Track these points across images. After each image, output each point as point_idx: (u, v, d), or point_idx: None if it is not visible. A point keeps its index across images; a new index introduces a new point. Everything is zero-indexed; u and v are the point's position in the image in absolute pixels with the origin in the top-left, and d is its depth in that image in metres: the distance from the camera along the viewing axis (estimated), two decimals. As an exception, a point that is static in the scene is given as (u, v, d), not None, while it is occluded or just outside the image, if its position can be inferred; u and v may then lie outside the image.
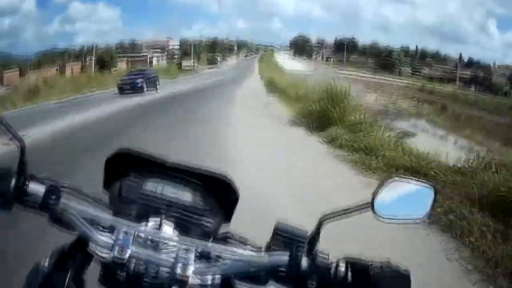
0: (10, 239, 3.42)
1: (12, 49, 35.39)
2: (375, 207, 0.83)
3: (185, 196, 0.99)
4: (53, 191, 0.86)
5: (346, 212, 0.84)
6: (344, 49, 50.97)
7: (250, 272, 0.86)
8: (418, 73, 41.13)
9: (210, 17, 62.62)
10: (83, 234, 0.86)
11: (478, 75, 36.11)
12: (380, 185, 0.84)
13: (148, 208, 0.95)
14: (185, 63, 47.42)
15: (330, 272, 0.82)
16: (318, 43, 54.82)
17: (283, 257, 0.84)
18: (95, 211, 0.89)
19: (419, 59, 43.28)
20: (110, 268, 0.85)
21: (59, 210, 0.85)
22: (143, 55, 44.62)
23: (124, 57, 41.76)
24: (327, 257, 0.84)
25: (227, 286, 0.88)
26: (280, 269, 0.84)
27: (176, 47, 47.93)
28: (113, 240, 0.84)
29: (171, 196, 0.98)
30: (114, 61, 40.28)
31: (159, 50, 47.05)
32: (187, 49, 48.85)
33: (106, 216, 0.89)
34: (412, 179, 0.91)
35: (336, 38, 52.92)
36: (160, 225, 0.90)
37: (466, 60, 38.80)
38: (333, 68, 44.60)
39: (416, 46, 43.13)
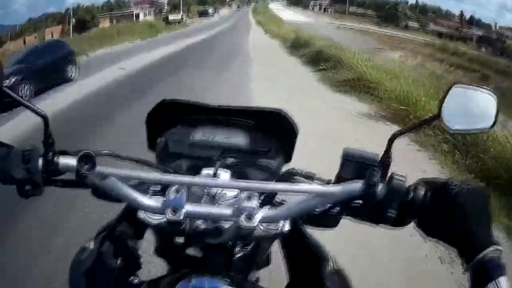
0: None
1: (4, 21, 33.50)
2: (443, 117, 0.78)
3: (239, 139, 0.94)
4: (86, 159, 0.75)
5: (415, 126, 0.82)
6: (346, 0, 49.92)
7: (322, 210, 0.79)
8: (425, 29, 39.44)
9: None
10: (129, 201, 0.78)
11: (489, 36, 33.75)
12: (445, 95, 0.78)
13: (201, 159, 0.89)
14: (172, 17, 43.48)
15: (409, 196, 0.74)
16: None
17: (355, 186, 0.75)
18: (139, 173, 0.78)
19: (421, 13, 41.93)
20: (165, 235, 0.80)
21: (97, 180, 0.76)
22: (129, 12, 42.34)
23: (108, 15, 39.59)
24: (403, 179, 0.75)
25: (296, 232, 0.83)
26: (354, 201, 0.77)
27: (165, 1, 45.88)
28: (163, 201, 0.75)
29: (224, 142, 0.93)
30: (96, 21, 36.34)
31: (147, 6, 44.34)
32: (176, 3, 46.51)
33: (147, 174, 0.80)
34: (474, 85, 0.82)
35: None
36: (215, 174, 0.83)
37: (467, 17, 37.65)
38: (334, 19, 43.36)
39: (416, 0, 41.86)
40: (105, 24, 37.65)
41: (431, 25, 39.05)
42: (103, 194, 0.80)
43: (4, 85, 0.77)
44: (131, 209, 0.83)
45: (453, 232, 0.73)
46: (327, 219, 0.81)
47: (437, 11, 41.45)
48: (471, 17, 37.13)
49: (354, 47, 14.96)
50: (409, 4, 42.81)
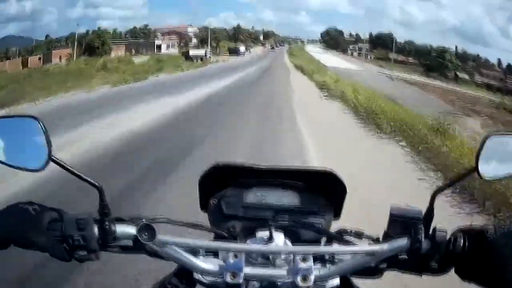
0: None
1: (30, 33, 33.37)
2: (480, 168, 0.82)
3: (290, 199, 0.97)
4: (146, 228, 0.80)
5: (454, 181, 0.87)
6: (385, 45, 48.85)
7: (371, 265, 0.83)
8: (473, 79, 36.73)
9: (237, 6, 61.66)
10: (188, 266, 0.83)
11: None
12: (480, 146, 0.83)
13: (254, 221, 0.93)
14: (193, 51, 39.56)
15: (449, 247, 0.80)
16: (352, 36, 54.20)
17: (402, 242, 0.81)
18: (198, 242, 0.83)
19: (462, 61, 39.67)
20: None
21: (156, 247, 0.82)
22: (150, 41, 39.95)
23: (124, 43, 36.84)
24: (445, 233, 0.81)
25: (345, 283, 0.87)
26: (400, 256, 0.82)
27: (192, 34, 44.56)
28: (220, 265, 0.82)
29: (276, 203, 0.96)
30: (106, 47, 33.19)
31: (174, 37, 43.42)
32: (204, 37, 44.77)
33: (208, 243, 0.85)
34: (507, 132, 0.90)
35: (371, 33, 51.88)
36: (270, 237, 0.87)
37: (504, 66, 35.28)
38: (379, 66, 41.84)
39: (456, 47, 40.05)
40: (119, 52, 34.33)
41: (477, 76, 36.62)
42: (157, 255, 0.83)
43: None
44: (183, 268, 0.86)
45: (490, 276, 0.77)
46: (373, 271, 0.85)
47: (477, 59, 39.00)
48: (509, 66, 34.91)
49: (423, 109, 13.64)
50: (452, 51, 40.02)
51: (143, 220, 0.81)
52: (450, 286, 1.08)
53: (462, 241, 0.80)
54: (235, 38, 58.18)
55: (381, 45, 52.79)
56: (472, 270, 0.79)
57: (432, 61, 41.05)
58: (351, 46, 58.65)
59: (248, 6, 67.26)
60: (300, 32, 60.06)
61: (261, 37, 63.42)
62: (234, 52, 50.63)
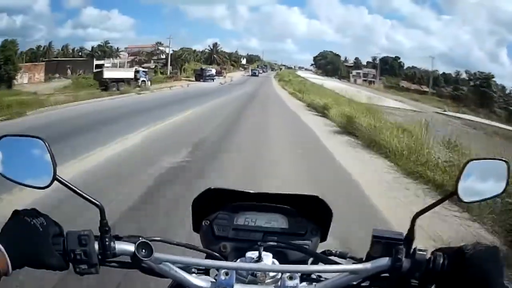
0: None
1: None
2: (459, 193, 0.87)
3: (279, 223, 1.01)
4: (143, 246, 0.84)
5: (434, 204, 0.89)
6: (392, 71, 49.53)
7: (355, 283, 0.88)
8: None
9: (223, 33, 65.00)
10: (183, 282, 0.87)
11: None
12: (460, 172, 0.88)
13: (244, 242, 0.98)
14: (111, 73, 28.66)
15: (429, 265, 0.84)
16: (346, 61, 53.86)
17: (384, 262, 0.85)
18: (193, 260, 0.88)
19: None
20: None
21: (153, 264, 0.85)
22: (82, 60, 36.86)
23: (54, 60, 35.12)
24: (425, 252, 0.85)
25: None
26: (382, 274, 0.86)
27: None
28: (212, 282, 0.86)
29: (266, 226, 1.01)
30: (9, 67, 25.78)
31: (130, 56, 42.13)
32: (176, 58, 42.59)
33: (201, 261, 0.91)
34: (487, 158, 0.96)
35: (375, 57, 51.89)
36: (259, 257, 0.91)
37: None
38: (415, 101, 36.80)
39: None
40: (36, 73, 30.90)
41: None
42: (151, 271, 0.86)
43: None
44: (177, 286, 0.92)
45: None
46: None
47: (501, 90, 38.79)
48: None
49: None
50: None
51: (141, 238, 0.85)
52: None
53: (441, 259, 0.83)
54: (211, 60, 52.00)
55: (387, 71, 51.82)
56: (452, 287, 0.83)
57: (475, 93, 36.40)
58: (354, 72, 55.86)
59: (233, 33, 70.78)
60: (285, 60, 60.76)
61: (243, 61, 59.05)
62: (199, 75, 39.43)
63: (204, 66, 40.50)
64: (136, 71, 28.60)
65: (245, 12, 66.86)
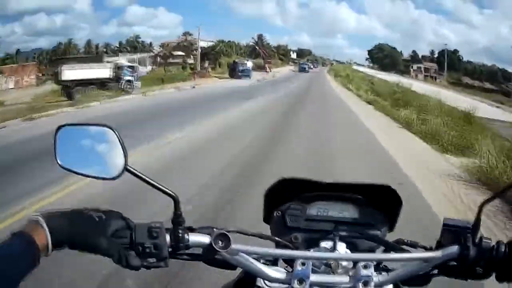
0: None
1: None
2: None
3: (351, 212, 1.02)
4: (221, 237, 0.83)
5: (503, 191, 0.90)
6: (452, 65, 48.38)
7: (425, 272, 0.89)
8: None
9: (273, 29, 60.09)
10: (258, 273, 0.88)
11: None
12: None
13: (316, 232, 0.99)
14: (71, 72, 20.91)
15: (493, 254, 0.85)
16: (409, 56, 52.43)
17: (453, 250, 0.86)
18: (270, 251, 0.90)
19: None
20: None
21: (227, 255, 0.85)
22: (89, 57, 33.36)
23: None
24: (490, 241, 0.85)
25: None
26: (450, 263, 0.88)
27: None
28: (288, 272, 0.87)
29: (338, 216, 1.01)
30: None
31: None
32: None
33: (279, 251, 0.92)
34: None
35: (432, 50, 53.01)
36: (334, 247, 0.93)
37: None
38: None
39: None
40: (25, 74, 28.79)
41: None
42: (219, 263, 0.87)
43: None
44: (246, 277, 0.93)
45: None
46: (422, 279, 0.90)
47: None
48: None
49: None
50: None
51: (215, 229, 0.84)
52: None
53: (503, 249, 0.84)
54: (255, 54, 45.71)
55: (447, 66, 49.03)
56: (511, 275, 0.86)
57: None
58: (415, 66, 52.12)
59: (283, 30, 69.39)
60: (337, 55, 59.23)
61: (294, 55, 55.74)
62: (232, 70, 33.25)
63: (237, 59, 34.24)
64: (118, 68, 21.32)
65: (294, 8, 65.27)
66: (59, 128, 0.84)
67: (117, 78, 20.12)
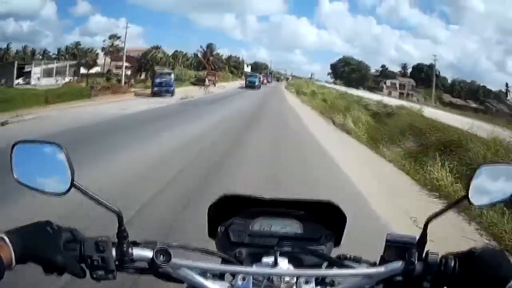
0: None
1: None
2: (470, 197, 0.88)
3: (294, 228, 1.03)
4: (162, 252, 0.86)
5: (446, 208, 0.90)
6: (428, 80, 46.44)
7: (370, 286, 0.90)
8: None
9: (232, 43, 63.47)
10: (197, 286, 0.89)
11: None
12: (470, 177, 0.90)
13: (259, 247, 0.99)
14: None
15: (441, 268, 0.86)
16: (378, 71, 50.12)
17: (397, 265, 0.87)
18: (205, 262, 0.90)
19: None
20: None
21: (171, 269, 0.87)
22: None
23: None
24: (437, 255, 0.87)
25: None
26: (395, 278, 0.88)
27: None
28: (228, 287, 0.90)
29: (281, 231, 1.02)
30: None
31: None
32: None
33: (219, 266, 0.95)
34: (500, 163, 1.00)
35: (405, 64, 50.37)
36: (275, 262, 0.92)
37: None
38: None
39: None
40: None
41: None
42: (167, 277, 0.87)
43: None
44: None
45: None
46: None
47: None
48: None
49: None
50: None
51: (158, 244, 0.86)
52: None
53: (452, 262, 0.85)
54: (203, 65, 42.52)
55: (422, 81, 47.80)
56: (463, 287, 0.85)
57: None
58: (388, 82, 48.57)
59: (242, 43, 72.68)
60: (294, 70, 59.10)
61: (248, 68, 48.95)
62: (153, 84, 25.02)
63: (157, 68, 28.21)
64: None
65: (254, 21, 67.11)
66: (14, 144, 0.86)
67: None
